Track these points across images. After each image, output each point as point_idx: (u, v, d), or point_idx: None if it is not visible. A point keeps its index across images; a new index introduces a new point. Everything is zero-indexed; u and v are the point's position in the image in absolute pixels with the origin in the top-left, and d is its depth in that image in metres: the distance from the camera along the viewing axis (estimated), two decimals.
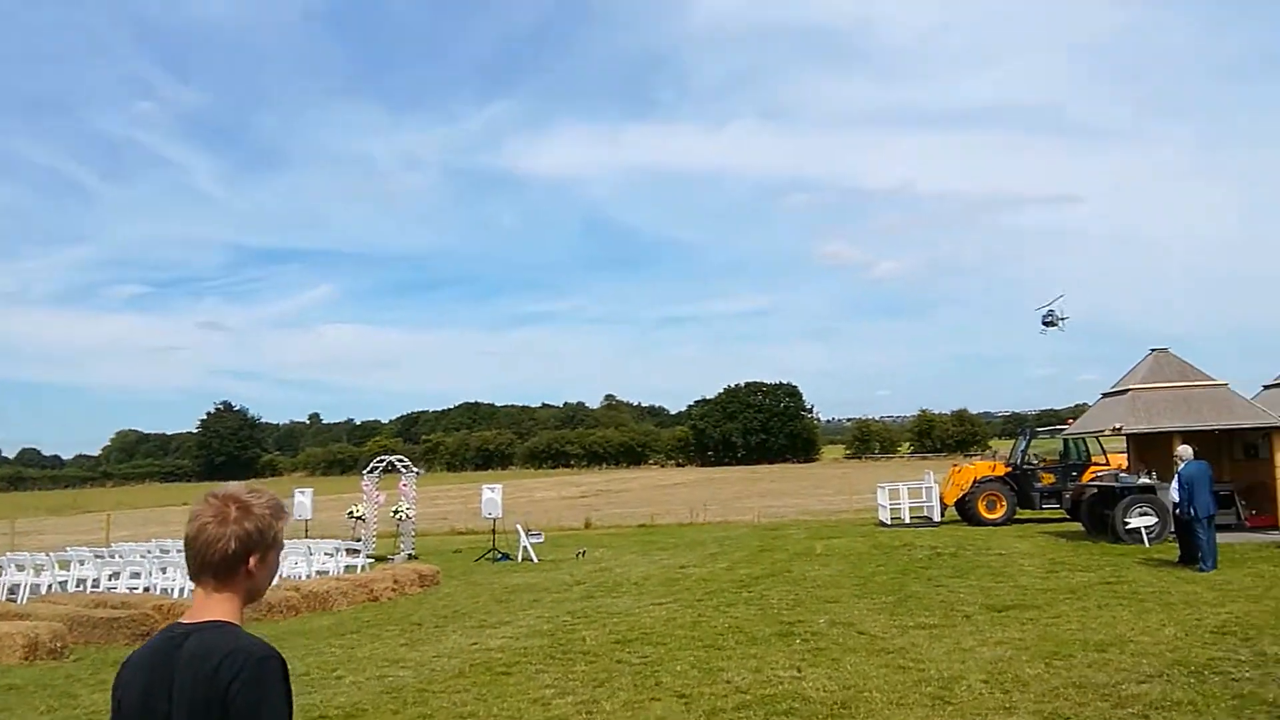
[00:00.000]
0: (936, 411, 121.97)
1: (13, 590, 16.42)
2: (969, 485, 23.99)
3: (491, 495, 22.37)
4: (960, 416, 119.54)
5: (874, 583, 14.28)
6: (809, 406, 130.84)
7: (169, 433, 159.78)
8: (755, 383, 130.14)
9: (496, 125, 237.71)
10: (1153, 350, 20.65)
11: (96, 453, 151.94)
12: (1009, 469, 24.38)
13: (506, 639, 11.15)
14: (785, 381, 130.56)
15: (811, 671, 8.60)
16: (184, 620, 2.11)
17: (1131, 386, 19.87)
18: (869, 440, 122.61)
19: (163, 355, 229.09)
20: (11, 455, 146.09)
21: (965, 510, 23.92)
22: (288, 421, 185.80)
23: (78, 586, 16.88)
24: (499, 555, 20.97)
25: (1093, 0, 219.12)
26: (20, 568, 16.90)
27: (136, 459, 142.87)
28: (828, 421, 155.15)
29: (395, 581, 16.08)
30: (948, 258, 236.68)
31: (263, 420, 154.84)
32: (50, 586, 16.70)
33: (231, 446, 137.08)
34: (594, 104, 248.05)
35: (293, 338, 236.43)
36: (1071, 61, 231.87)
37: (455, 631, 11.94)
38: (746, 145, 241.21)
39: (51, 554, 17.95)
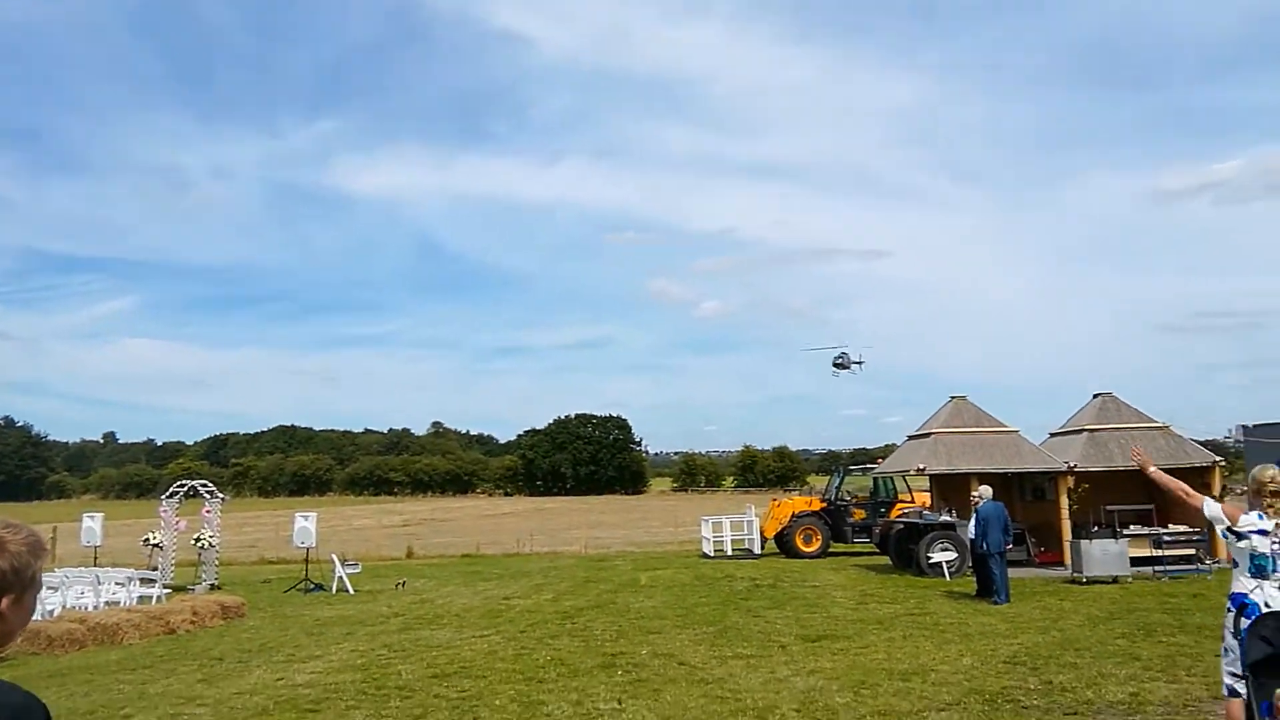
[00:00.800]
0: (759, 447, 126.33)
1: None
2: (787, 519, 24.87)
3: (305, 524, 21.31)
4: (781, 453, 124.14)
5: (696, 614, 14.50)
6: (638, 439, 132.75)
7: None
8: (585, 414, 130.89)
9: (323, 143, 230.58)
10: (952, 397, 22.17)
11: None
12: (824, 504, 25.46)
13: (316, 674, 10.58)
14: (615, 414, 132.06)
15: (632, 703, 8.60)
16: None
17: (933, 430, 21.24)
18: (695, 473, 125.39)
19: None
20: None
21: (784, 543, 24.75)
22: (79, 440, 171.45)
23: None
24: (312, 586, 19.97)
25: (899, 73, 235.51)
26: None
27: None
28: (656, 454, 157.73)
29: (194, 613, 15.01)
30: (768, 300, 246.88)
31: (49, 438, 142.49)
32: None
33: (12, 465, 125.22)
34: (428, 129, 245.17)
35: (88, 351, 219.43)
36: (881, 126, 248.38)
37: (260, 666, 11.23)
38: (579, 181, 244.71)
39: None
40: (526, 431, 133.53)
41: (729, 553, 25.08)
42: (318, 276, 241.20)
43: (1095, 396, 21.86)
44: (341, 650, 12.25)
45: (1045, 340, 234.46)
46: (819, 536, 24.53)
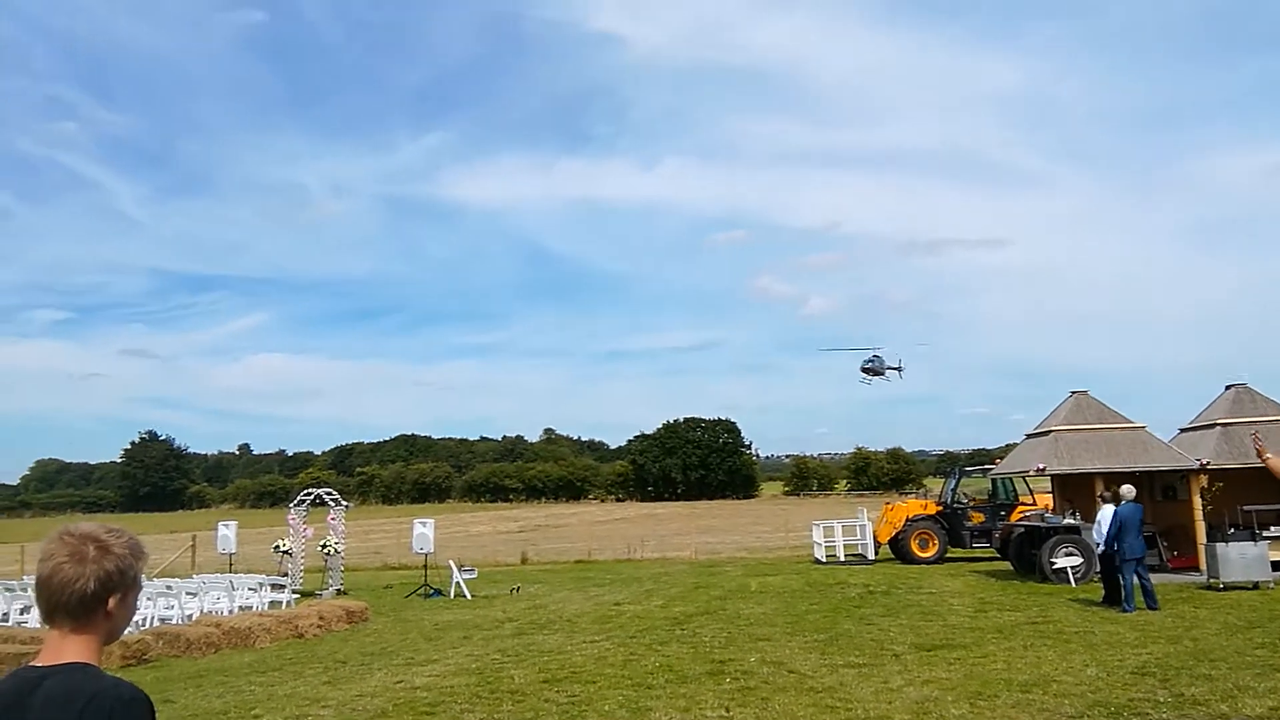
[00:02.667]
0: (872, 449, 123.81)
1: None
2: (902, 523, 24.29)
3: (423, 530, 22.01)
4: (895, 454, 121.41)
5: (806, 621, 14.32)
6: (747, 443, 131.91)
7: (91, 462, 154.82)
8: (694, 418, 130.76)
9: (431, 155, 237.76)
10: (1073, 392, 21.23)
11: (15, 482, 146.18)
12: (940, 508, 24.76)
13: (433, 677, 10.90)
14: (724, 417, 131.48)
15: (740, 711, 8.56)
16: (37, 663, 1.97)
17: (1053, 428, 20.39)
18: (807, 477, 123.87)
19: (84, 382, 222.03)
20: None
21: (898, 548, 24.19)
22: (216, 452, 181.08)
23: None
24: (431, 591, 20.59)
25: (1006, 53, 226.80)
26: None
27: (57, 489, 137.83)
28: (767, 458, 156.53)
29: (321, 618, 15.67)
30: (878, 296, 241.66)
31: (190, 450, 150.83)
32: None
33: (157, 477, 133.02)
34: (530, 136, 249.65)
35: (222, 366, 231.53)
36: (991, 110, 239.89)
37: (381, 669, 11.65)
38: (680, 181, 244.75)
39: None
40: (636, 437, 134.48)
41: (841, 558, 24.67)
42: (431, 287, 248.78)
43: (1228, 388, 20.63)
44: (458, 654, 12.58)
45: (1174, 329, 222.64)
46: (935, 541, 23.88)
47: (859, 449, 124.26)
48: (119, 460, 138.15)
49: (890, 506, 25.86)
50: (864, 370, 41.87)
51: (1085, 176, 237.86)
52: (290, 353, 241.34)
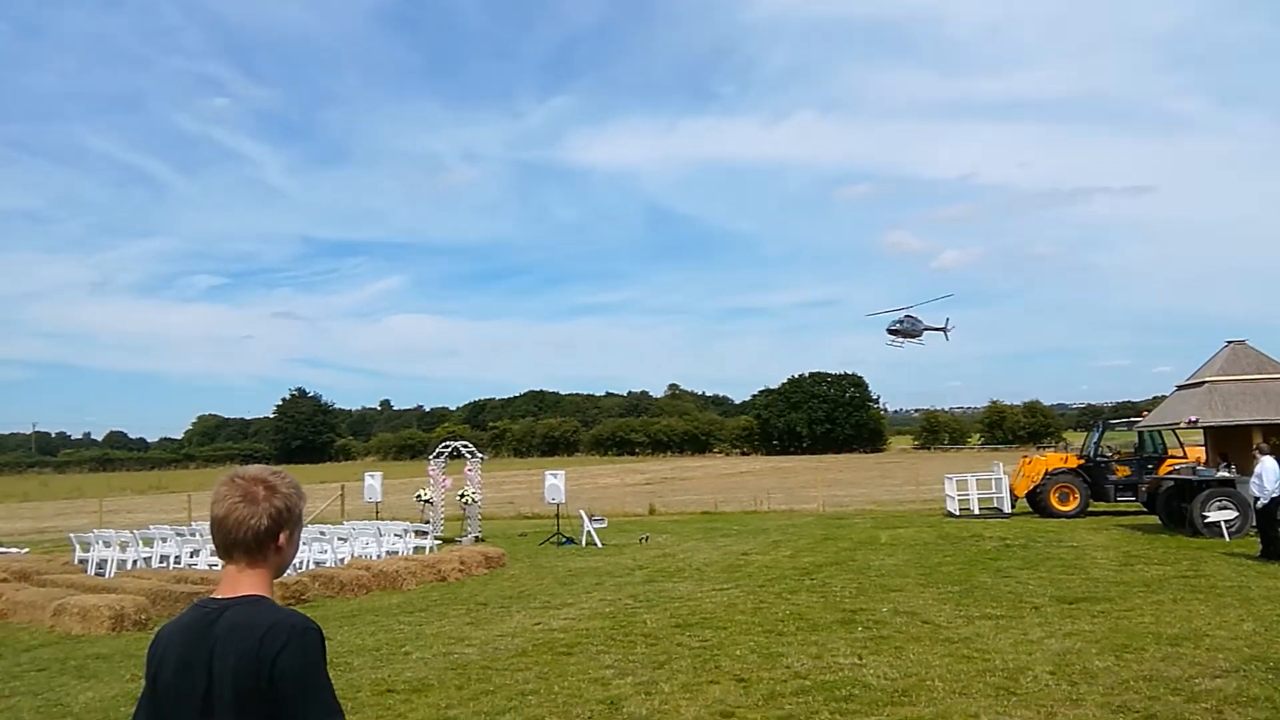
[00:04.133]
0: (1008, 403, 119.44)
1: (101, 565, 17.15)
2: (1040, 477, 23.50)
3: (555, 481, 22.64)
4: (1032, 408, 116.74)
5: (940, 573, 14.10)
6: (875, 397, 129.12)
7: (247, 417, 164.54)
8: (819, 373, 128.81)
9: (557, 119, 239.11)
10: (1229, 342, 19.95)
11: (179, 436, 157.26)
12: (1082, 461, 23.81)
13: (569, 620, 11.29)
14: (850, 372, 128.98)
15: (873, 659, 8.55)
16: (216, 595, 2.14)
17: (1208, 379, 19.26)
18: (937, 431, 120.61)
19: (240, 344, 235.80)
20: (100, 438, 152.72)
21: (1036, 502, 23.45)
22: (360, 408, 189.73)
23: (160, 563, 17.57)
24: (563, 539, 21.22)
25: None
26: (108, 544, 17.65)
27: (217, 442, 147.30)
28: (895, 412, 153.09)
29: (462, 563, 16.39)
30: (1015, 247, 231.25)
31: (336, 406, 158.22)
32: (135, 562, 17.43)
33: (306, 431, 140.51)
34: (654, 98, 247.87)
35: (363, 327, 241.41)
36: (1136, 52, 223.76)
37: (519, 612, 12.13)
38: (806, 137, 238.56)
39: (136, 532, 18.68)
40: (761, 391, 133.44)
41: (975, 512, 24.08)
42: (559, 249, 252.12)
43: None
44: (591, 599, 12.97)
45: None
46: (1076, 495, 23.00)
47: (993, 402, 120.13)
48: (272, 416, 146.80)
49: (1028, 460, 25.02)
50: (891, 332, 38.98)
51: (1241, 119, 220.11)
52: (426, 313, 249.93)
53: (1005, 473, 24.97)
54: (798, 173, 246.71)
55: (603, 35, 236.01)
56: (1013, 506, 24.07)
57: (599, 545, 20.39)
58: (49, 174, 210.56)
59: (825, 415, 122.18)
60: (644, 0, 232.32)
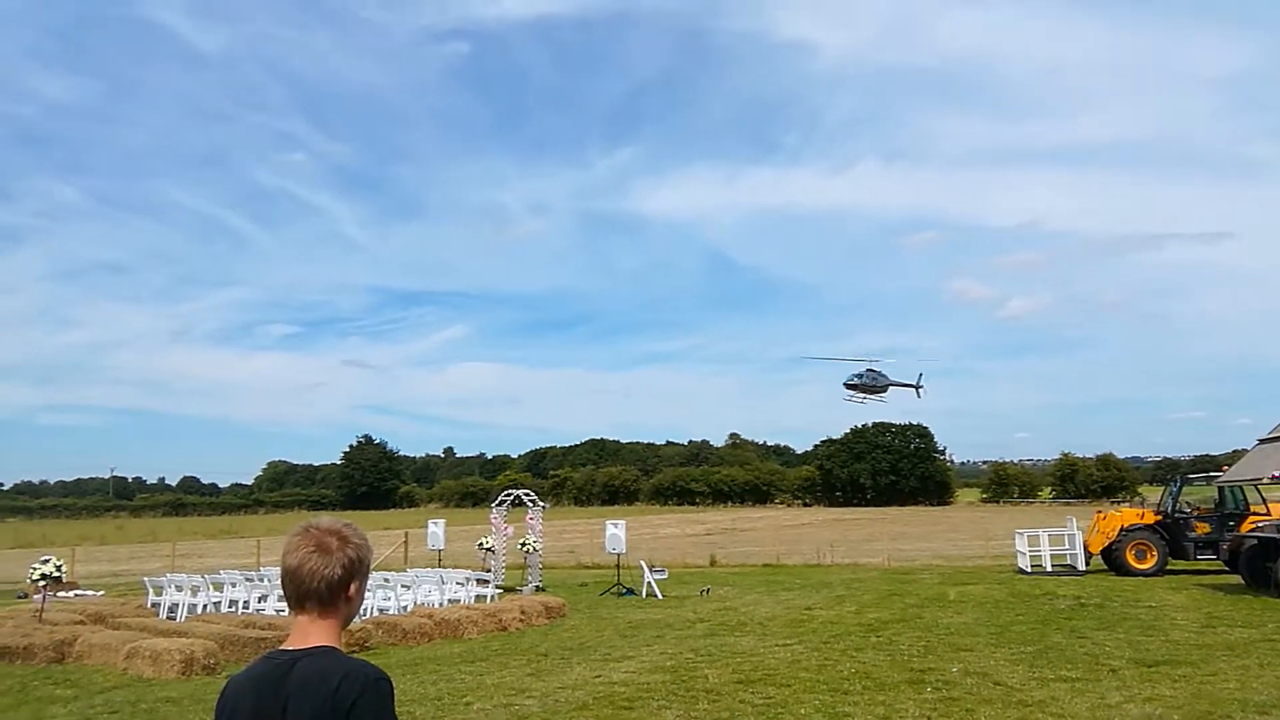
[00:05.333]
0: (1079, 455, 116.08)
1: (172, 609, 17.53)
2: (1116, 533, 22.73)
3: (615, 531, 22.59)
4: (1105, 461, 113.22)
5: (1012, 632, 13.68)
6: (941, 448, 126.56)
7: (315, 464, 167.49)
8: (883, 423, 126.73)
9: (622, 170, 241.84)
10: None
11: (250, 482, 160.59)
12: (1159, 517, 22.98)
13: (630, 674, 11.19)
14: (915, 422, 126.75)
15: None
16: (286, 647, 2.18)
17: None
18: (1006, 484, 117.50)
19: (310, 391, 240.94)
20: (174, 483, 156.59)
21: (1112, 559, 22.68)
22: (424, 455, 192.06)
23: (230, 607, 17.89)
24: (624, 590, 21.09)
25: (1221, 34, 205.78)
26: (179, 588, 18.04)
27: (286, 488, 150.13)
28: (962, 464, 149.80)
29: (523, 612, 16.38)
30: (1084, 295, 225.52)
31: (401, 453, 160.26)
32: (205, 606, 17.77)
33: (372, 478, 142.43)
34: (717, 147, 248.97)
35: (429, 375, 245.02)
36: (1204, 94, 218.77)
37: (580, 664, 12.06)
38: (870, 185, 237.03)
39: (207, 576, 19.08)
40: (823, 441, 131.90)
41: (1048, 569, 23.34)
42: (620, 298, 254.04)
43: None
44: (652, 652, 12.85)
45: None
46: (1154, 552, 22.16)
47: (1065, 454, 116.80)
48: (339, 462, 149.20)
49: (1103, 515, 24.23)
50: (850, 387, 36.90)
51: None
52: (490, 362, 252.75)
53: (1079, 528, 24.21)
54: (861, 221, 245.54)
55: (667, 86, 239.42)
56: (1087, 564, 23.29)
57: (659, 596, 20.22)
58: (136, 227, 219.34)
59: (889, 466, 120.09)
60: (707, 52, 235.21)
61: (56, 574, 15.36)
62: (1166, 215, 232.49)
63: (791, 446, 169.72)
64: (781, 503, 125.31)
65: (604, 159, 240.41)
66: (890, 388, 36.53)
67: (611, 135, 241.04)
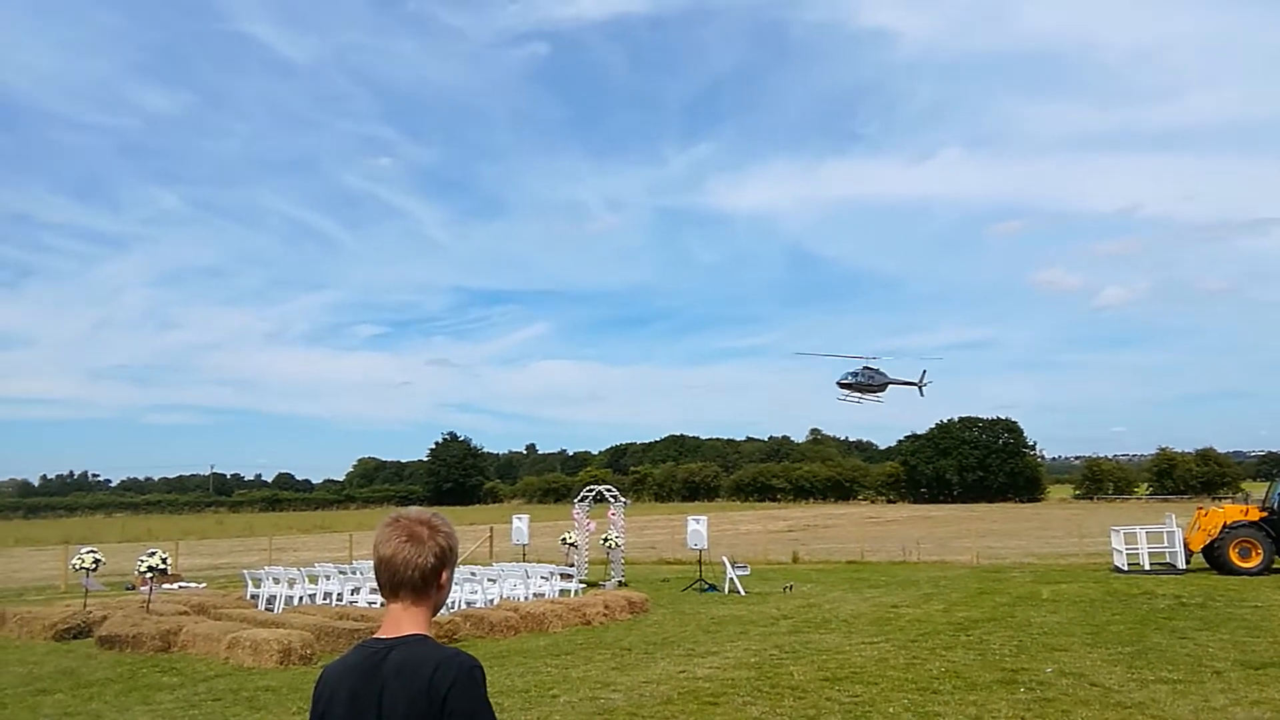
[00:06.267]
0: (1178, 450, 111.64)
1: (270, 601, 18.16)
2: (1219, 530, 21.81)
3: (697, 527, 22.58)
4: (1205, 455, 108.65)
5: (1108, 632, 13.25)
6: (1031, 443, 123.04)
7: (403, 460, 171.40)
8: (970, 418, 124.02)
9: (699, 165, 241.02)
10: None
11: (341, 478, 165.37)
12: (1265, 514, 21.97)
13: (714, 669, 11.19)
14: (1003, 416, 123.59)
15: None
16: (380, 636, 2.21)
17: None
18: (1101, 480, 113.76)
19: (398, 390, 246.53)
20: (270, 479, 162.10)
21: (1214, 558, 21.76)
22: (507, 451, 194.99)
23: (324, 599, 18.44)
24: (706, 586, 21.08)
25: None
26: (277, 581, 18.68)
27: (375, 484, 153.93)
28: (1053, 459, 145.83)
29: (606, 607, 16.51)
30: (1183, 283, 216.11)
31: (484, 450, 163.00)
32: (300, 599, 18.36)
33: (457, 474, 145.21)
34: (795, 140, 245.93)
35: (511, 373, 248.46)
36: None
37: (664, 659, 12.11)
38: (954, 174, 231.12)
39: (302, 569, 19.71)
40: (907, 437, 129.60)
41: (1146, 567, 22.52)
42: (699, 294, 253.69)
43: None
44: (736, 648, 12.82)
45: None
46: (1259, 550, 21.20)
47: (1162, 449, 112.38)
48: (425, 459, 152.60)
49: (1204, 512, 23.27)
50: (844, 386, 35.10)
51: None
52: (570, 359, 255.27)
53: (1179, 525, 23.31)
54: (945, 211, 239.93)
55: (743, 80, 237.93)
56: (1188, 562, 22.40)
57: (742, 593, 20.15)
58: (231, 232, 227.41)
59: (977, 462, 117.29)
60: (784, 44, 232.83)
61: (162, 566, 16.06)
62: (1272, 198, 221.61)
63: (874, 442, 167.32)
64: (865, 499, 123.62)
65: (680, 155, 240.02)
66: (889, 386, 35.22)
67: (688, 131, 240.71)
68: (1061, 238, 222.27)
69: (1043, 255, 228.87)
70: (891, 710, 8.71)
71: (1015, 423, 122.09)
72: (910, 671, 10.64)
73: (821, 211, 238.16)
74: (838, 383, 34.51)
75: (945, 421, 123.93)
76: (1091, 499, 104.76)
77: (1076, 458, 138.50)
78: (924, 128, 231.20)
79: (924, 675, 10.39)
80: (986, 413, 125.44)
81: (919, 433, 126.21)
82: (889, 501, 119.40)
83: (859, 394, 34.74)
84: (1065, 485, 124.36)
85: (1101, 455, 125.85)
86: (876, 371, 34.76)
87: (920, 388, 36.84)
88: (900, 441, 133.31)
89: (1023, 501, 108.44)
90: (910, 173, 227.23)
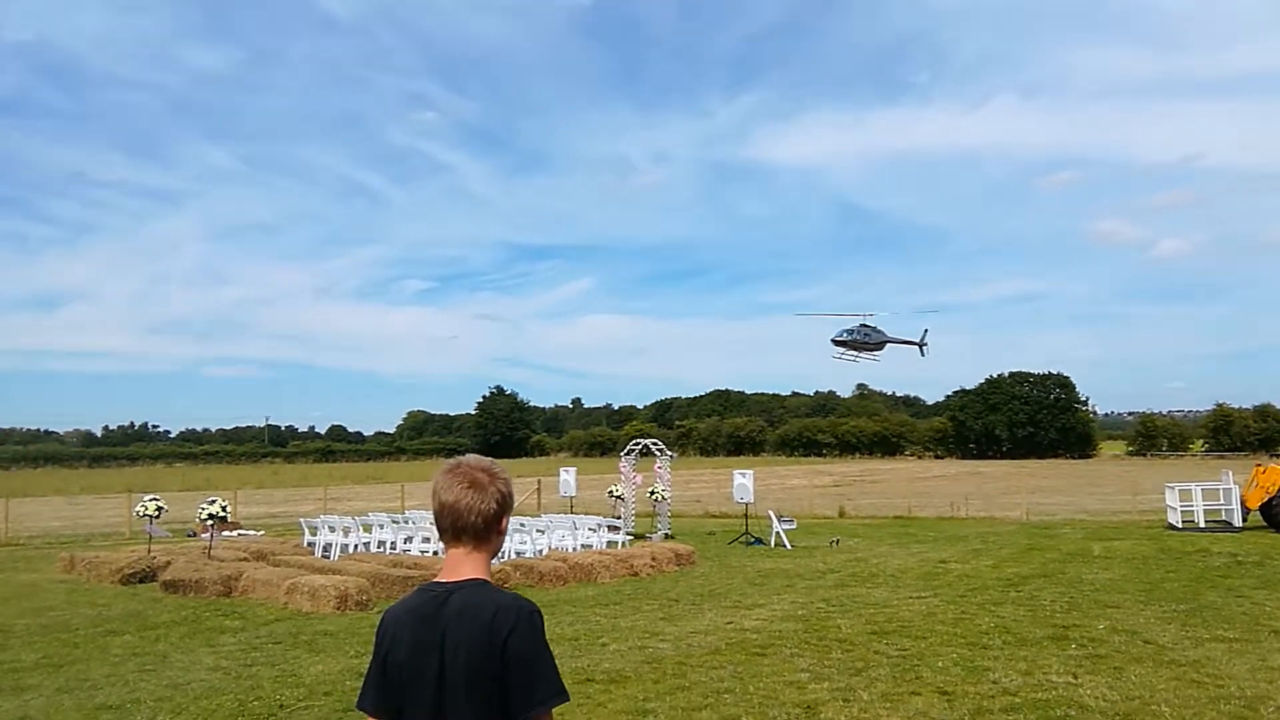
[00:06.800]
0: (1235, 406, 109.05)
1: (326, 548, 18.61)
2: (1276, 488, 21.34)
3: (743, 481, 22.63)
4: (1264, 412, 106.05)
5: (1162, 589, 13.08)
6: (1083, 398, 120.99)
7: (451, 413, 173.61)
8: (1020, 373, 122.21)
9: (744, 117, 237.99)
10: None
11: (392, 430, 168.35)
12: None
13: (761, 621, 11.26)
14: (1055, 371, 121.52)
15: (1089, 679, 8.05)
16: (441, 579, 2.24)
17: None
18: (1155, 436, 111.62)
19: (445, 344, 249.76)
20: (323, 431, 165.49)
21: (1272, 515, 21.33)
22: (553, 405, 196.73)
23: (378, 547, 18.87)
24: (752, 539, 21.17)
25: None
26: (332, 529, 19.14)
27: (425, 436, 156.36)
28: (1106, 415, 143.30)
29: (653, 559, 16.67)
30: (1243, 235, 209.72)
31: (531, 404, 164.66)
32: (355, 546, 18.80)
33: (504, 427, 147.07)
34: (842, 91, 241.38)
35: (557, 327, 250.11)
36: None
37: (711, 610, 12.22)
38: (1006, 123, 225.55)
39: (356, 518, 20.16)
40: (955, 392, 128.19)
41: (1201, 524, 22.14)
42: (744, 247, 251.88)
43: None
44: (782, 601, 12.88)
45: None
46: None
47: (1219, 405, 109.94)
48: (473, 412, 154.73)
49: (1262, 469, 22.77)
50: (839, 343, 34.20)
51: None
52: (616, 314, 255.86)
53: (1236, 482, 22.84)
54: (996, 162, 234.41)
55: (789, 30, 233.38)
56: (1244, 520, 21.99)
57: (788, 546, 20.21)
58: (282, 189, 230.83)
59: (1027, 418, 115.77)
60: None
61: (222, 514, 16.53)
62: None
63: (922, 397, 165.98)
64: (912, 454, 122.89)
65: (725, 106, 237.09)
66: (886, 345, 34.70)
67: (733, 82, 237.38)
68: (1117, 188, 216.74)
69: (1098, 206, 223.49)
70: (940, 664, 8.71)
71: (1067, 378, 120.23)
72: (959, 626, 10.61)
73: (870, 163, 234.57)
74: (832, 340, 34.17)
75: (995, 376, 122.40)
76: (1145, 456, 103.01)
77: (1130, 413, 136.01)
78: (975, 76, 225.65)
79: (973, 630, 10.36)
80: (1037, 367, 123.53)
81: (968, 388, 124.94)
82: (936, 457, 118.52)
83: (855, 351, 34.44)
84: (1118, 442, 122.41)
85: (1156, 411, 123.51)
86: (873, 329, 34.39)
87: (921, 347, 36.40)
88: (948, 397, 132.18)
89: (1074, 458, 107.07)
90: (961, 123, 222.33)
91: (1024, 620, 10.90)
